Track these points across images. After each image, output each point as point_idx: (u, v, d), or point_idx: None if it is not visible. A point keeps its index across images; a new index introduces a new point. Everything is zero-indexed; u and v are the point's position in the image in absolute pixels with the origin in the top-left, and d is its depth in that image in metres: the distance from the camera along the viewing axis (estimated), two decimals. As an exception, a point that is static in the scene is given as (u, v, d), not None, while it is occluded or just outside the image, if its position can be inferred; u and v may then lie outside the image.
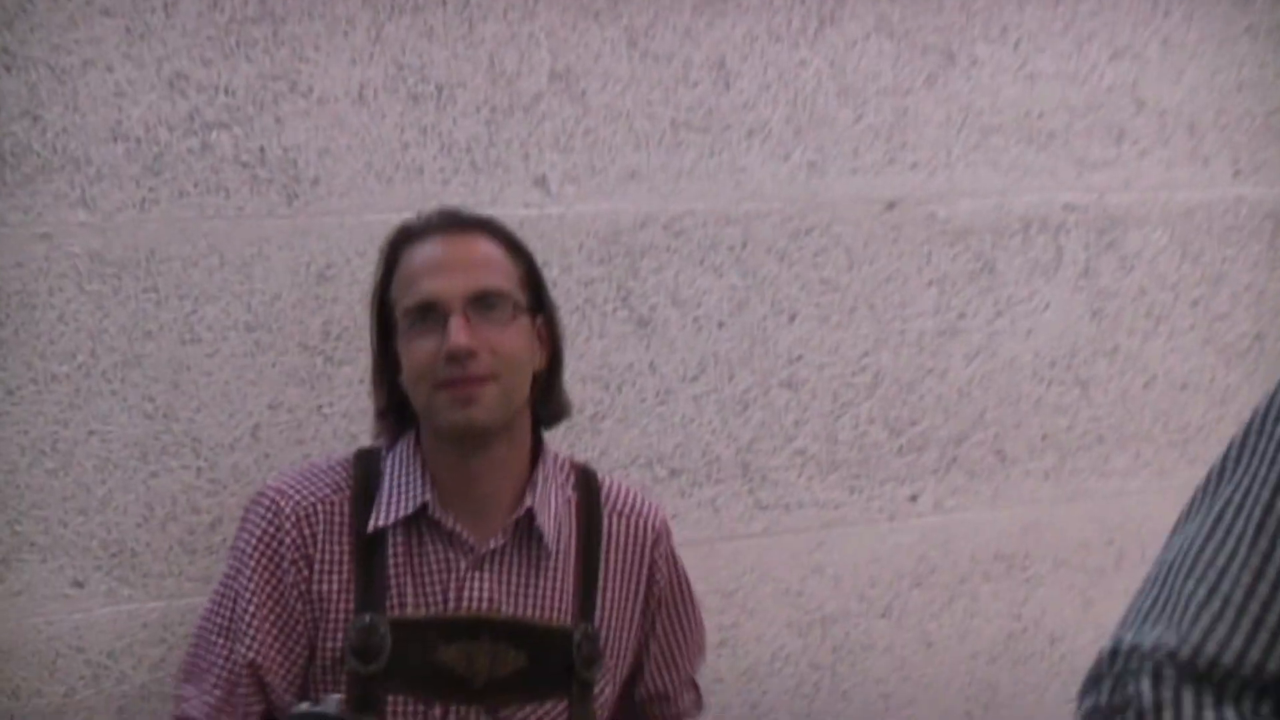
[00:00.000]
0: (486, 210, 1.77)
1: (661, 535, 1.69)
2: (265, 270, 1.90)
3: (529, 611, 1.58)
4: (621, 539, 1.66)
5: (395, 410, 1.61)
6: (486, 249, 1.57)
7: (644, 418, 2.07)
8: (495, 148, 1.99)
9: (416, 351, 1.52)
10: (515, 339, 1.54)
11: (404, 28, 1.95)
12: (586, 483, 1.67)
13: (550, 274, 1.95)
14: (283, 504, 1.57)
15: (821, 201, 2.15)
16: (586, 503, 1.65)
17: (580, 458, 1.78)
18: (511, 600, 1.57)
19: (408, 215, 1.85)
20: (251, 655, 1.55)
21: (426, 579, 1.56)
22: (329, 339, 1.93)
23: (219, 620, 1.59)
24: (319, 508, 1.57)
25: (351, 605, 1.54)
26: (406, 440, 1.60)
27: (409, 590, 1.55)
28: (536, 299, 1.60)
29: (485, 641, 1.54)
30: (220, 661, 1.57)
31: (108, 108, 1.86)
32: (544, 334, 1.61)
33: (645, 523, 1.68)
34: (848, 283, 2.16)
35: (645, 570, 1.67)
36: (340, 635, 1.54)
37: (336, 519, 1.57)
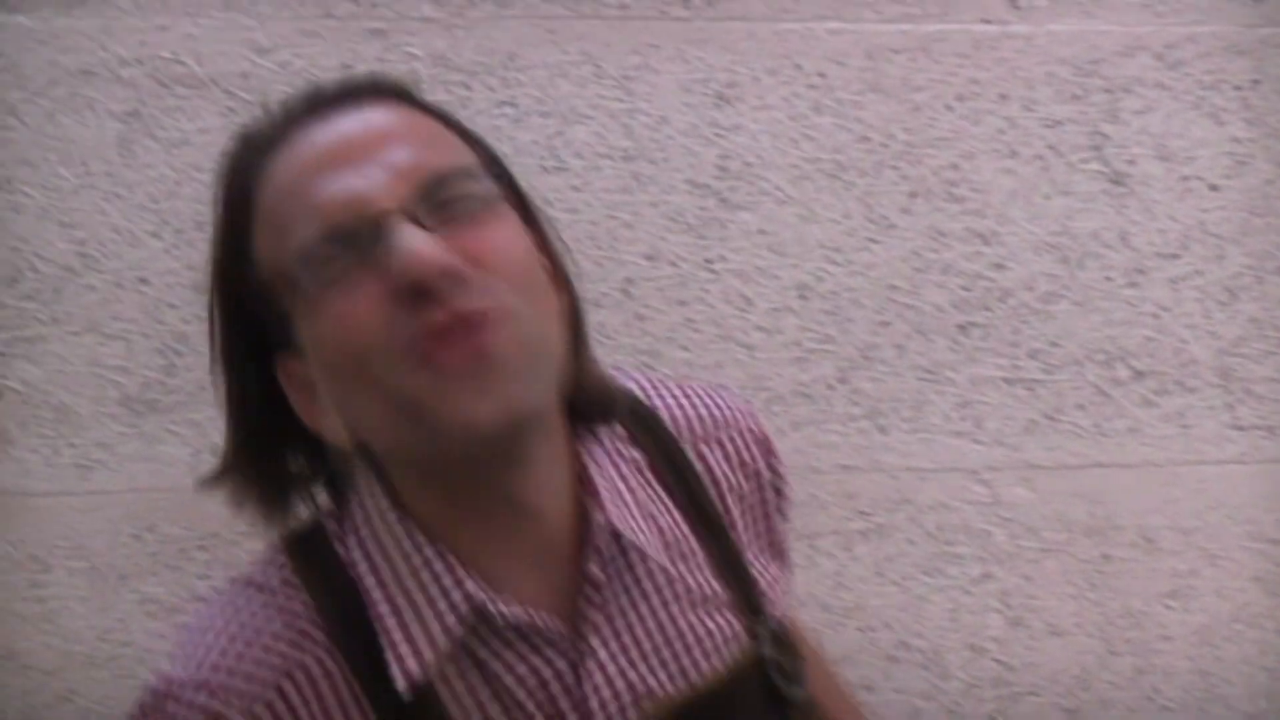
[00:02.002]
0: (934, 26, 1.42)
1: (768, 438, 1.08)
2: (651, 86, 1.61)
3: (687, 657, 0.96)
4: (735, 476, 1.04)
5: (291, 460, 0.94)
6: (408, 119, 0.89)
7: (1107, 301, 1.73)
8: (949, -57, 1.62)
9: (344, 313, 0.82)
10: (510, 240, 0.87)
11: None
12: (647, 429, 1.01)
13: (1008, 111, 1.60)
14: (217, 705, 0.87)
15: (1361, 32, 1.72)
16: (664, 456, 1.01)
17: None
18: (656, 664, 0.94)
19: (832, 26, 1.49)
20: None
21: (529, 710, 0.90)
22: (726, 176, 1.65)
23: None
24: (292, 690, 0.88)
25: None
26: (361, 503, 0.92)
27: None
28: (520, 203, 0.93)
29: None
30: None
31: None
32: (546, 261, 0.93)
33: (745, 433, 1.05)
34: (1382, 142, 1.74)
35: (772, 498, 1.07)
36: None
37: (330, 695, 0.89)
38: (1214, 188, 1.74)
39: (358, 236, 0.81)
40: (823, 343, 1.68)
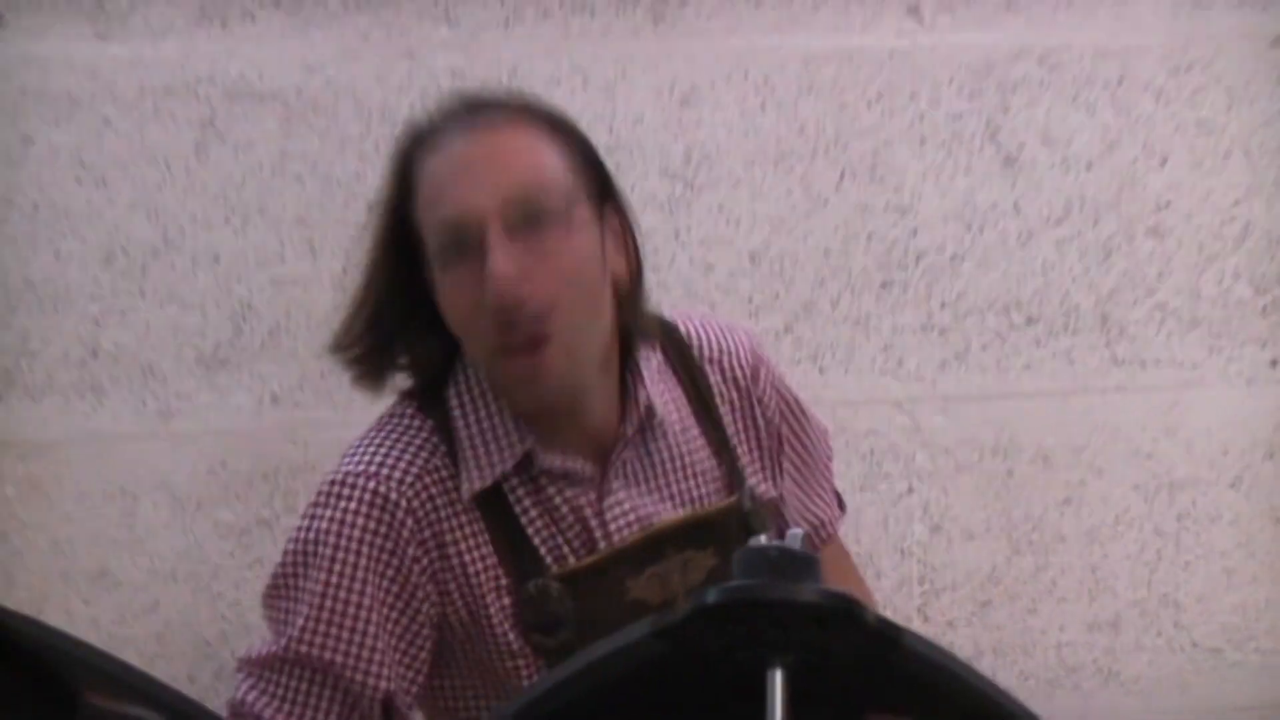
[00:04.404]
0: (853, 40, 1.81)
1: (759, 365, 1.49)
2: (628, 92, 1.98)
3: (683, 505, 1.39)
4: (727, 389, 1.46)
5: (423, 345, 1.34)
6: (524, 141, 1.26)
7: (1004, 260, 2.10)
8: (868, -29, 2.02)
9: (452, 299, 1.26)
10: (579, 255, 1.26)
11: None
12: (678, 350, 1.45)
13: (918, 107, 2.01)
14: (384, 489, 1.27)
15: (1204, 35, 2.12)
16: (683, 364, 1.44)
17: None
18: (662, 503, 1.37)
19: (781, 43, 1.89)
20: (385, 685, 1.27)
21: (569, 523, 1.33)
22: (689, 164, 2.02)
23: (315, 648, 1.26)
24: (428, 482, 1.29)
25: (504, 583, 1.31)
26: (467, 378, 1.33)
27: (558, 542, 1.32)
28: (600, 187, 1.31)
29: (671, 556, 1.34)
30: (327, 699, 1.26)
31: (475, -78, 1.94)
32: (617, 227, 1.33)
33: (740, 360, 1.47)
34: (1224, 124, 2.14)
35: (757, 409, 1.48)
36: (507, 617, 1.30)
37: (442, 491, 1.30)
38: (1089, 166, 2.14)
39: (468, 233, 1.22)
40: (771, 299, 2.07)
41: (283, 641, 1.27)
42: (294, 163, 1.94)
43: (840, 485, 1.67)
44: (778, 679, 0.93)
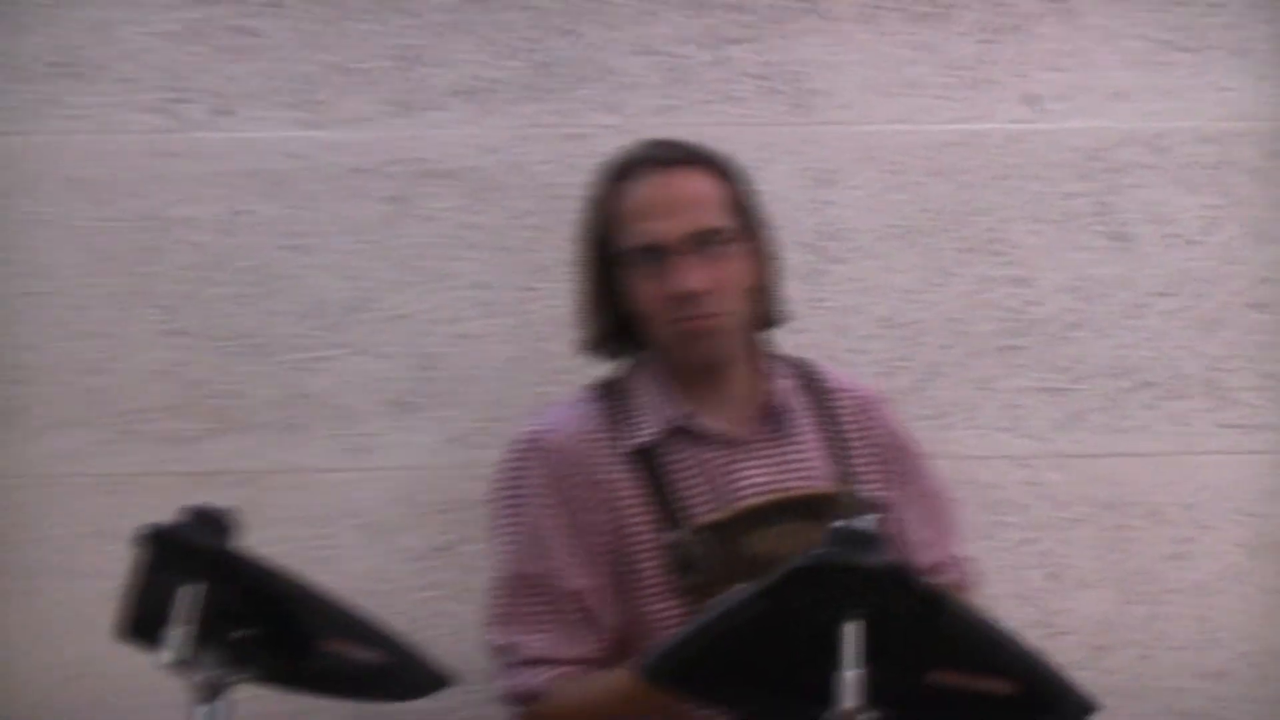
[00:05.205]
0: (975, 125, 2.07)
1: (882, 403, 1.87)
2: (771, 173, 2.19)
3: (799, 475, 1.73)
4: (851, 408, 1.82)
5: (616, 335, 1.77)
6: (700, 185, 1.70)
7: (1116, 330, 2.28)
8: (989, 65, 2.26)
9: (646, 291, 1.69)
10: (734, 270, 1.70)
11: (902, -51, 2.24)
12: (804, 368, 1.85)
13: (1033, 188, 2.22)
14: (556, 441, 1.71)
15: (1303, 122, 2.30)
16: (810, 384, 1.82)
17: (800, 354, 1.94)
18: (782, 481, 1.71)
19: (909, 128, 2.12)
20: (577, 584, 1.68)
21: (705, 482, 1.69)
22: (825, 238, 2.25)
23: (524, 567, 1.70)
24: (587, 438, 1.71)
25: (650, 524, 1.67)
26: (643, 360, 1.77)
27: (696, 496, 1.68)
28: (749, 219, 1.74)
29: (786, 523, 1.67)
30: (543, 602, 1.69)
31: (636, 24, 2.23)
32: (758, 250, 1.75)
33: (869, 394, 1.87)
34: (1323, 206, 2.29)
35: (881, 434, 1.83)
36: (650, 555, 1.67)
37: (607, 445, 1.71)
38: (1193, 242, 2.31)
39: (658, 254, 1.67)
40: (901, 362, 2.26)
41: (500, 569, 1.72)
42: (473, 233, 2.21)
43: (963, 533, 1.87)
44: (850, 631, 1.21)
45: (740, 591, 1.27)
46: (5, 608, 2.18)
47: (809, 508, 1.69)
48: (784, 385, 1.79)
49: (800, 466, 1.74)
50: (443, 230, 2.22)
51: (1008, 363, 2.27)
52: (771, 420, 1.76)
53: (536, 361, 2.20)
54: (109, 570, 2.14)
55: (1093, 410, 2.27)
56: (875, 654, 1.21)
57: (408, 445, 2.21)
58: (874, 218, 2.25)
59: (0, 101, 2.20)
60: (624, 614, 1.70)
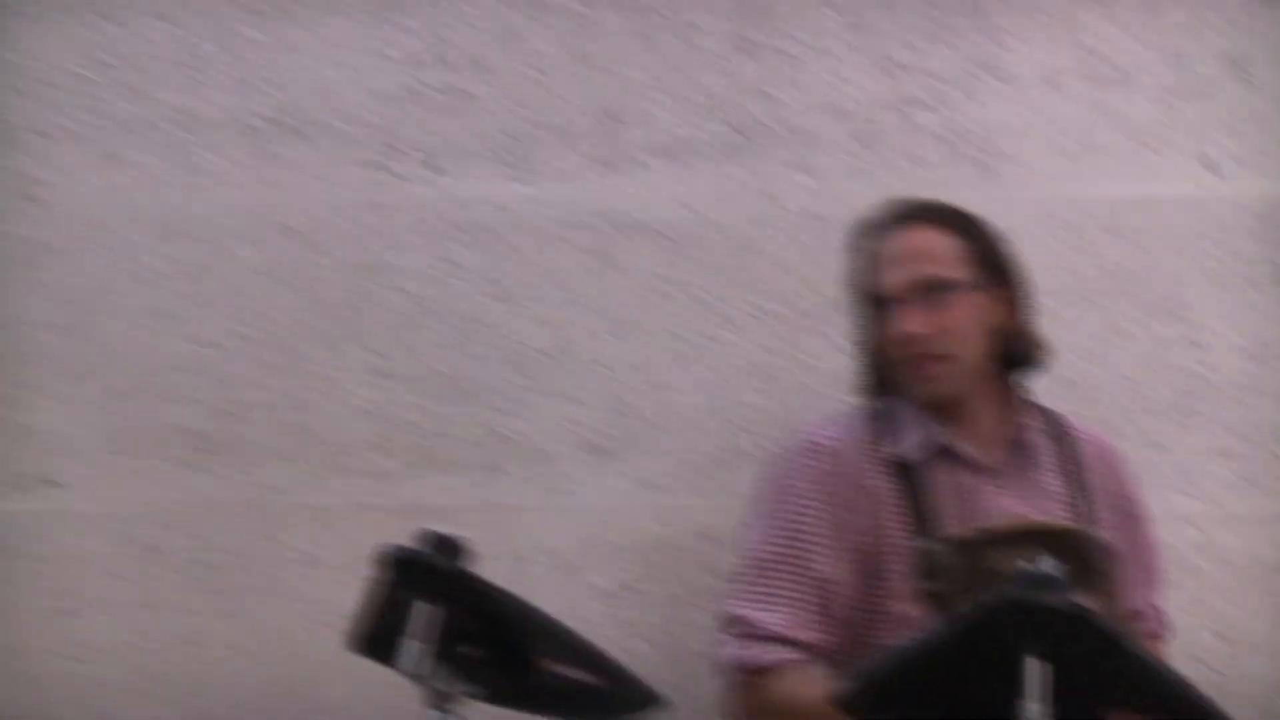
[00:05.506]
0: (1153, 188, 2.17)
1: (1122, 454, 2.02)
2: None
3: (1041, 507, 1.88)
4: (1093, 457, 1.97)
5: (879, 372, 1.95)
6: (931, 240, 1.89)
7: None
8: (1169, 130, 2.34)
9: (877, 334, 1.91)
10: (963, 316, 1.86)
11: (1094, 15, 2.33)
12: (1051, 416, 1.99)
13: (1211, 251, 2.28)
14: (827, 444, 1.91)
15: None
16: (1055, 428, 1.97)
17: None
18: (1025, 509, 1.86)
19: (1090, 190, 2.20)
20: (827, 572, 1.85)
21: (955, 500, 1.86)
22: None
23: (779, 548, 1.88)
24: (856, 446, 1.90)
25: (904, 531, 1.84)
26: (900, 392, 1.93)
27: (948, 511, 1.85)
28: (992, 270, 1.90)
29: (1025, 548, 1.69)
30: (790, 584, 1.86)
31: (828, 88, 2.34)
32: (1006, 297, 1.91)
33: (1109, 445, 2.02)
34: None
35: (1115, 484, 1.97)
36: (899, 558, 1.83)
37: (870, 455, 1.89)
38: None
39: (886, 302, 1.87)
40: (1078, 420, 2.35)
41: (753, 548, 1.89)
42: (670, 286, 2.33)
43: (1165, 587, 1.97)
44: (1034, 667, 1.29)
45: (933, 625, 1.41)
46: (215, 627, 2.32)
47: (1047, 538, 1.79)
48: (1032, 424, 1.94)
49: (1043, 499, 1.89)
50: (641, 282, 2.34)
51: (1183, 424, 2.32)
52: (1019, 453, 1.92)
53: (726, 410, 2.31)
54: (313, 595, 2.32)
55: (1267, 474, 2.31)
56: (1057, 691, 1.29)
57: (600, 487, 2.32)
58: (1054, 278, 2.26)
59: (227, 156, 2.36)
60: (862, 611, 1.85)
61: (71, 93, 2.37)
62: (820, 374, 2.30)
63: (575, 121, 2.35)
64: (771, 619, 1.84)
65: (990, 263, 1.91)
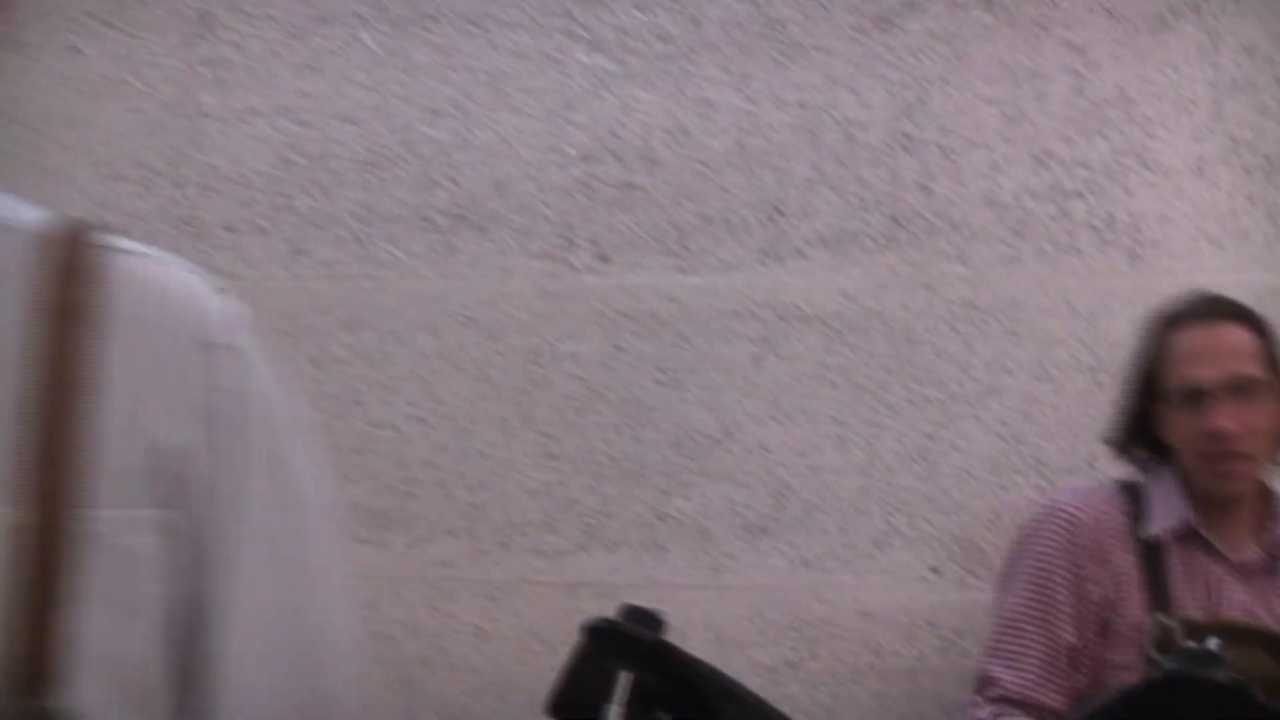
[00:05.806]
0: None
1: None
2: (1109, 321, 2.39)
3: (1272, 614, 1.95)
4: None
5: (1143, 446, 2.05)
6: (1241, 337, 1.97)
7: None
8: (1319, 218, 2.40)
9: (1183, 425, 1.97)
10: (1264, 416, 1.94)
11: (1240, 105, 2.40)
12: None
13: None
14: (1080, 516, 2.01)
15: None
16: None
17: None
18: (1263, 611, 1.94)
19: (1236, 277, 2.28)
20: (1071, 639, 1.97)
21: (1197, 586, 1.95)
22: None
23: (1030, 611, 2.00)
24: (1106, 521, 2.00)
25: (1143, 607, 1.94)
26: (1165, 469, 2.03)
27: (1185, 595, 1.95)
28: (1276, 371, 1.98)
29: (1250, 648, 1.87)
30: (1037, 645, 1.98)
31: (984, 179, 2.43)
32: None
33: None
34: None
35: None
36: (1134, 633, 1.93)
37: (1119, 531, 2.00)
38: None
39: (1201, 396, 1.94)
40: None
41: (1006, 611, 2.01)
42: (831, 373, 2.43)
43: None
44: None
45: (1105, 698, 1.56)
46: (387, 697, 2.43)
47: (1274, 645, 1.89)
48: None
49: (1274, 603, 1.96)
50: (803, 369, 2.44)
51: None
52: (1266, 553, 1.99)
53: (883, 493, 2.39)
54: (482, 666, 2.43)
55: None
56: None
57: (761, 566, 2.41)
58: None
59: (408, 249, 2.50)
60: (1089, 679, 1.95)
61: (261, 191, 2.52)
62: (975, 457, 2.38)
63: (740, 214, 2.46)
64: (1013, 678, 1.97)
65: (1276, 363, 1.99)
